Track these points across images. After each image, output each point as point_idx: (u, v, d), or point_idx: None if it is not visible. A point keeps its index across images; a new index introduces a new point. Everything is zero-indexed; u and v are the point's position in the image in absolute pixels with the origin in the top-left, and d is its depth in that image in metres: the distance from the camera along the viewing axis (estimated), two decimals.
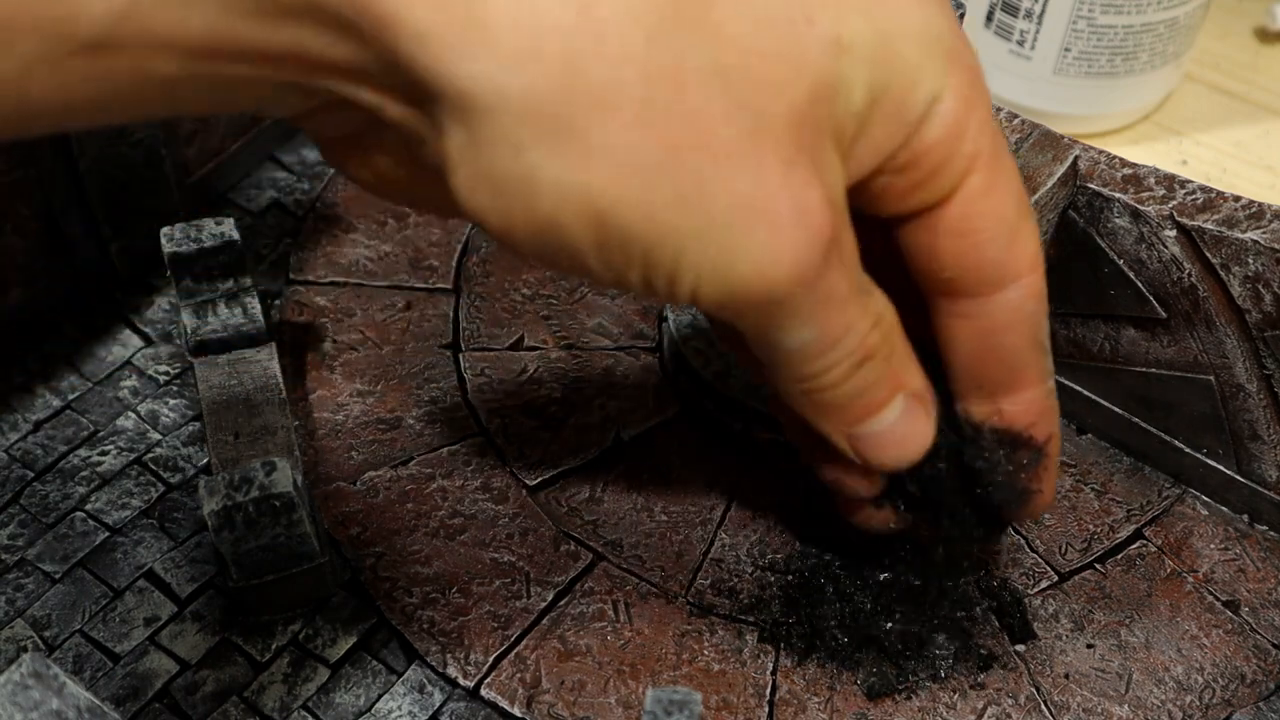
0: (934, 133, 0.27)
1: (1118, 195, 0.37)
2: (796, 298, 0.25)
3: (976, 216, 0.27)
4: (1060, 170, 0.36)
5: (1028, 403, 0.30)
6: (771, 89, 0.24)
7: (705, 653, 0.37)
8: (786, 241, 0.24)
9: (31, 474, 0.41)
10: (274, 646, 0.37)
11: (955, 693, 0.36)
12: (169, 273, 0.40)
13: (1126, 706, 0.37)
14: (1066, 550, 0.40)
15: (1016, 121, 0.39)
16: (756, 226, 0.24)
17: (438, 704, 0.36)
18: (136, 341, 0.44)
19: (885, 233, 0.29)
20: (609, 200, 0.24)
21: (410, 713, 0.36)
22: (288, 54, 0.23)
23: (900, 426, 0.29)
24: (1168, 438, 0.41)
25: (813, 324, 0.26)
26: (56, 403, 0.42)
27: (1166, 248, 0.37)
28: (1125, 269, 0.38)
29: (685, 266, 0.25)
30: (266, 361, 0.41)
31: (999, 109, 0.39)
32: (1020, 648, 0.38)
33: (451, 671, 0.37)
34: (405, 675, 0.37)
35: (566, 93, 0.23)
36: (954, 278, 0.28)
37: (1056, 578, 0.39)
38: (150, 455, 0.41)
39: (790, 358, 0.27)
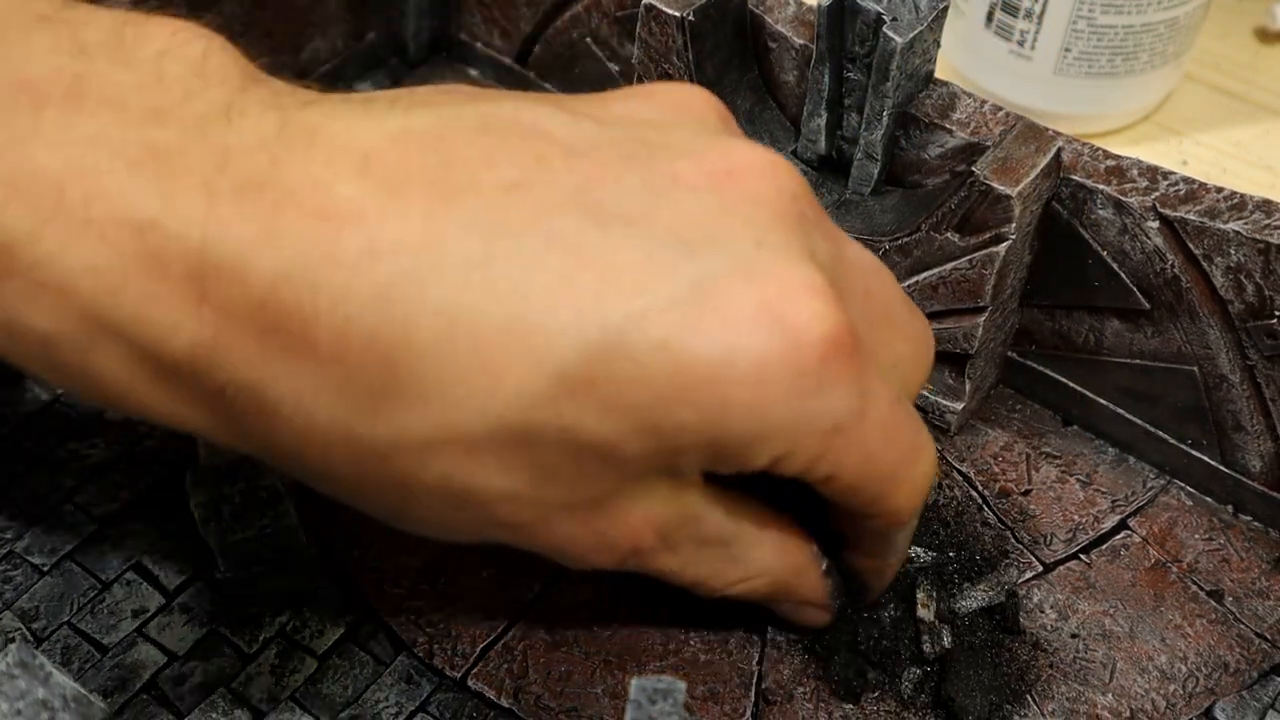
0: (777, 471, 0.30)
1: (1101, 187, 0.37)
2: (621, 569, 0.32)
3: (839, 496, 0.31)
4: (1044, 162, 0.36)
5: (868, 563, 0.36)
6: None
7: (692, 643, 0.37)
8: (580, 562, 0.32)
9: (20, 466, 0.41)
10: (261, 638, 0.37)
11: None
12: None
13: (1110, 695, 0.37)
14: (1051, 541, 0.40)
15: (1001, 114, 0.39)
16: (556, 555, 0.32)
17: (425, 694, 0.36)
18: None
19: None
20: None
21: (398, 703, 0.36)
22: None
23: (790, 614, 0.37)
24: (1152, 429, 0.41)
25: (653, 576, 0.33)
26: (45, 396, 0.43)
27: (1149, 239, 0.37)
28: (1109, 260, 0.38)
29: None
30: None
31: (984, 101, 0.39)
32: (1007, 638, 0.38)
33: (439, 662, 0.37)
34: (393, 666, 0.37)
35: None
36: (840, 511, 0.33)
37: (1041, 568, 0.40)
38: (139, 448, 0.41)
39: None
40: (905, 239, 0.39)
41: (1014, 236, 0.37)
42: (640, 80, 0.42)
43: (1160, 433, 0.41)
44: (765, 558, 0.34)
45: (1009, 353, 0.43)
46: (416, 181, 0.28)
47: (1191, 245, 0.37)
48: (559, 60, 0.50)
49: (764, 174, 0.29)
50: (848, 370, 0.28)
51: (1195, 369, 0.39)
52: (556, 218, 0.28)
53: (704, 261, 0.28)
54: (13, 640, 0.37)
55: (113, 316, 0.27)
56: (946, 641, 0.37)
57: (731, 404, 0.28)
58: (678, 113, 0.32)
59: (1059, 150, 0.37)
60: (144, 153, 0.27)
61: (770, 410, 0.28)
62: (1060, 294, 0.40)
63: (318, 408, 0.28)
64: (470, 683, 0.36)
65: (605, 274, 0.27)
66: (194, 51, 0.29)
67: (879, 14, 0.37)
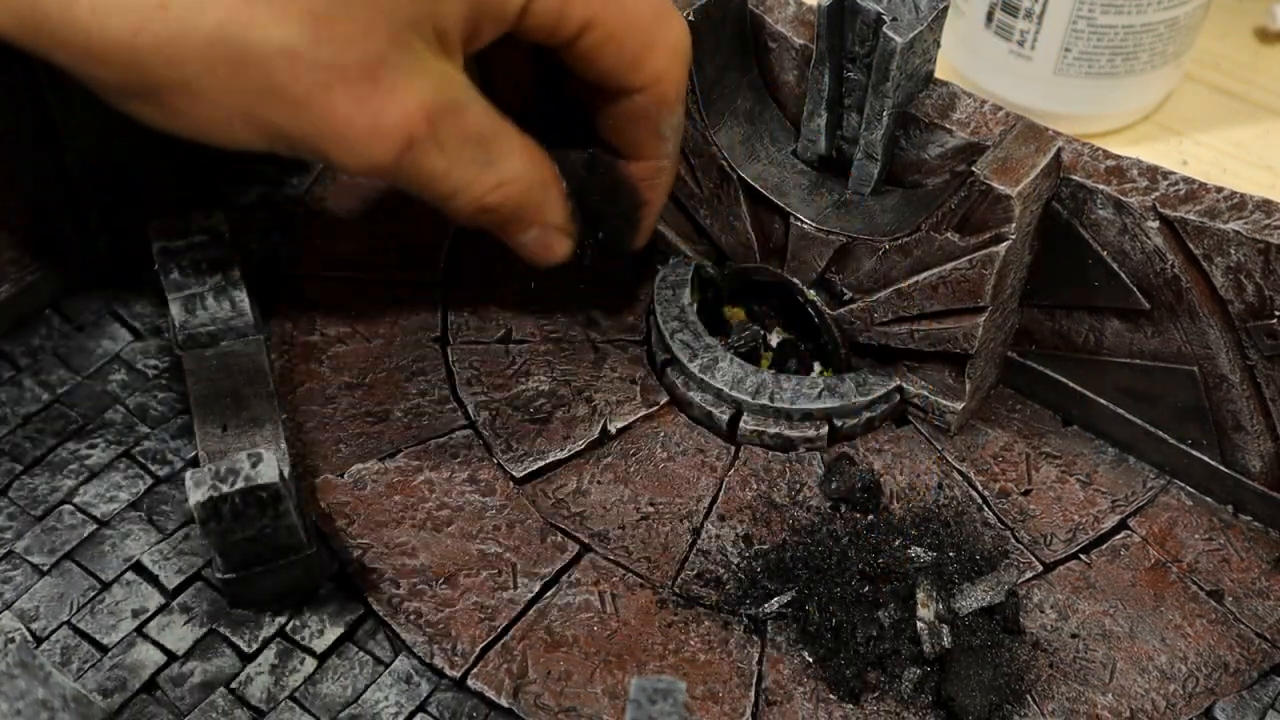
0: (536, 19, 0.34)
1: (1101, 187, 0.37)
2: (390, 176, 0.34)
3: (599, 54, 0.36)
4: (1044, 162, 0.36)
5: (643, 168, 0.40)
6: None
7: (691, 643, 0.37)
8: (358, 153, 0.33)
9: (20, 467, 0.41)
10: (261, 638, 0.37)
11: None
12: (157, 266, 0.40)
13: (1110, 695, 0.37)
14: (1051, 540, 0.40)
15: (1001, 114, 0.39)
16: (336, 146, 0.33)
17: (424, 694, 0.36)
18: (125, 335, 0.44)
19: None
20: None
21: (397, 703, 0.36)
22: None
23: (534, 245, 0.39)
24: (1152, 429, 0.41)
25: (417, 187, 0.35)
26: (45, 396, 0.42)
27: (1149, 239, 0.37)
28: (1109, 260, 0.38)
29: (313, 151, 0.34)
30: (255, 354, 0.41)
31: (983, 101, 0.39)
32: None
33: (438, 662, 0.37)
34: (392, 666, 0.37)
35: None
36: (592, 85, 0.38)
37: (1041, 568, 0.40)
38: (139, 448, 0.41)
39: (424, 201, 0.36)
40: (905, 239, 0.39)
41: (1014, 236, 0.37)
42: None
43: (1160, 433, 0.41)
44: (518, 165, 0.37)
45: (1009, 353, 0.43)
46: None
47: (1191, 245, 0.37)
48: None
49: None
50: None
51: (1195, 369, 0.39)
52: None
53: None
54: (13, 640, 0.37)
55: None
56: (946, 641, 0.37)
57: None
58: None
59: (1059, 150, 0.37)
60: None
61: None
62: (1060, 294, 0.40)
63: None
64: (470, 682, 0.36)
65: None
66: None
67: (879, 14, 0.37)
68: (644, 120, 0.38)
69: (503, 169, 0.36)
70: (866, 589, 0.38)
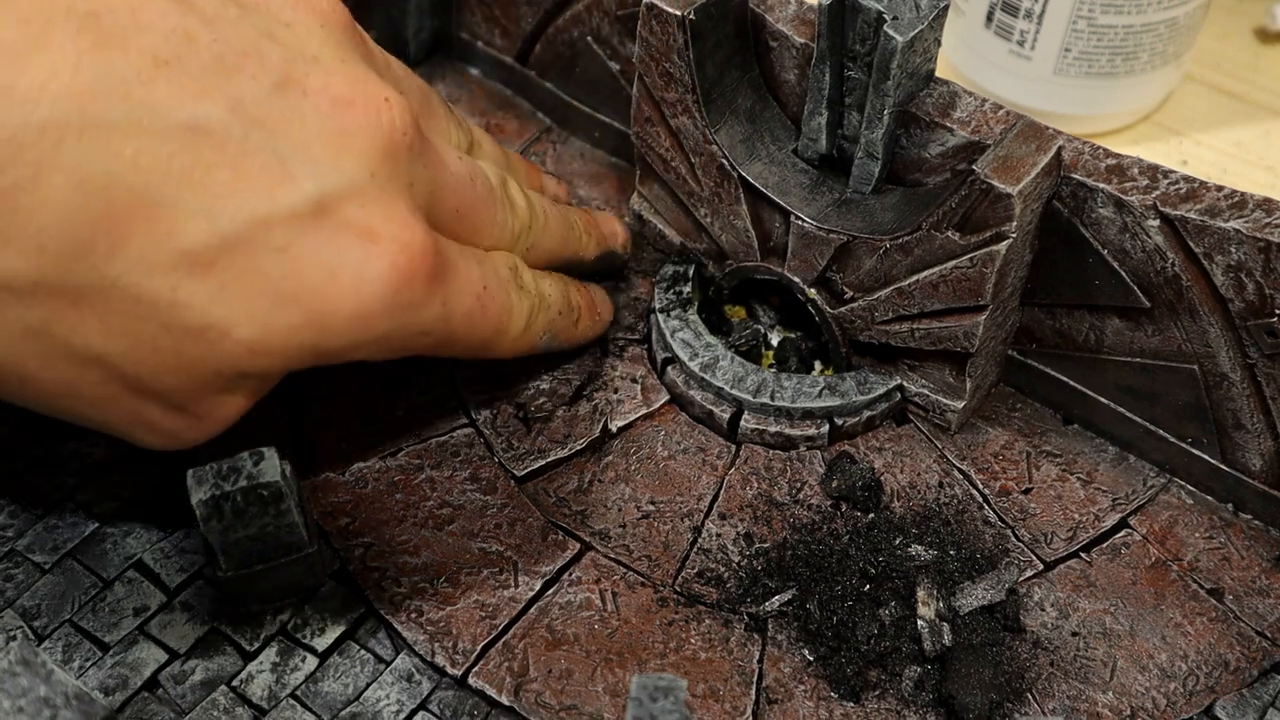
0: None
1: (1101, 185, 0.37)
2: None
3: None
4: (1044, 160, 0.36)
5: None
6: None
7: (692, 641, 0.37)
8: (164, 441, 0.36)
9: (21, 465, 0.41)
10: (262, 636, 0.37)
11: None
12: None
13: (1111, 694, 0.37)
14: (1052, 539, 0.40)
15: (1002, 113, 0.39)
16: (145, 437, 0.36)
17: (426, 692, 0.36)
18: None
19: None
20: None
21: (398, 701, 0.36)
22: None
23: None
24: (1153, 427, 0.41)
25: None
26: None
27: (1150, 237, 0.37)
28: (1109, 259, 0.38)
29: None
30: None
31: (984, 100, 0.39)
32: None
33: (439, 660, 0.37)
34: (393, 664, 0.37)
35: None
36: None
37: (1042, 566, 0.40)
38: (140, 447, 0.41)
39: None
40: (906, 237, 0.39)
41: (1014, 235, 0.37)
42: (643, 81, 0.43)
43: (1161, 431, 0.41)
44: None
45: (1010, 351, 0.43)
46: (60, 26, 0.29)
47: (1192, 244, 0.37)
48: (559, 59, 0.50)
49: (380, 110, 0.34)
50: (430, 287, 0.34)
51: (1195, 367, 0.39)
52: (202, 104, 0.30)
53: (325, 180, 0.32)
54: (14, 638, 0.37)
55: None
56: (947, 640, 0.37)
57: (333, 310, 0.32)
58: (309, 14, 0.35)
59: (1059, 149, 0.37)
60: None
61: (363, 322, 0.33)
62: (1061, 293, 0.40)
63: None
64: (471, 680, 0.36)
65: (241, 173, 0.31)
66: None
67: (880, 12, 0.37)
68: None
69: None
70: (867, 587, 0.38)
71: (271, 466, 0.34)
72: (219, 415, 0.35)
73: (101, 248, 0.30)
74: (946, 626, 0.37)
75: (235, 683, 0.36)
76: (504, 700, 0.36)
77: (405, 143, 0.34)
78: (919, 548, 0.39)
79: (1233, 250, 0.36)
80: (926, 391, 0.42)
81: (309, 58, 0.33)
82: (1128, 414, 0.42)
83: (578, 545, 0.40)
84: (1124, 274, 0.38)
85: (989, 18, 0.53)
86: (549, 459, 0.42)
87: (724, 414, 0.42)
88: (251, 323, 0.32)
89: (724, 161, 0.42)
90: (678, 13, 0.39)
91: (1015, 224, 0.36)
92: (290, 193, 0.32)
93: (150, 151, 0.30)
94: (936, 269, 0.39)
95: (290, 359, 0.33)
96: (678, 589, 0.39)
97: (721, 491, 0.41)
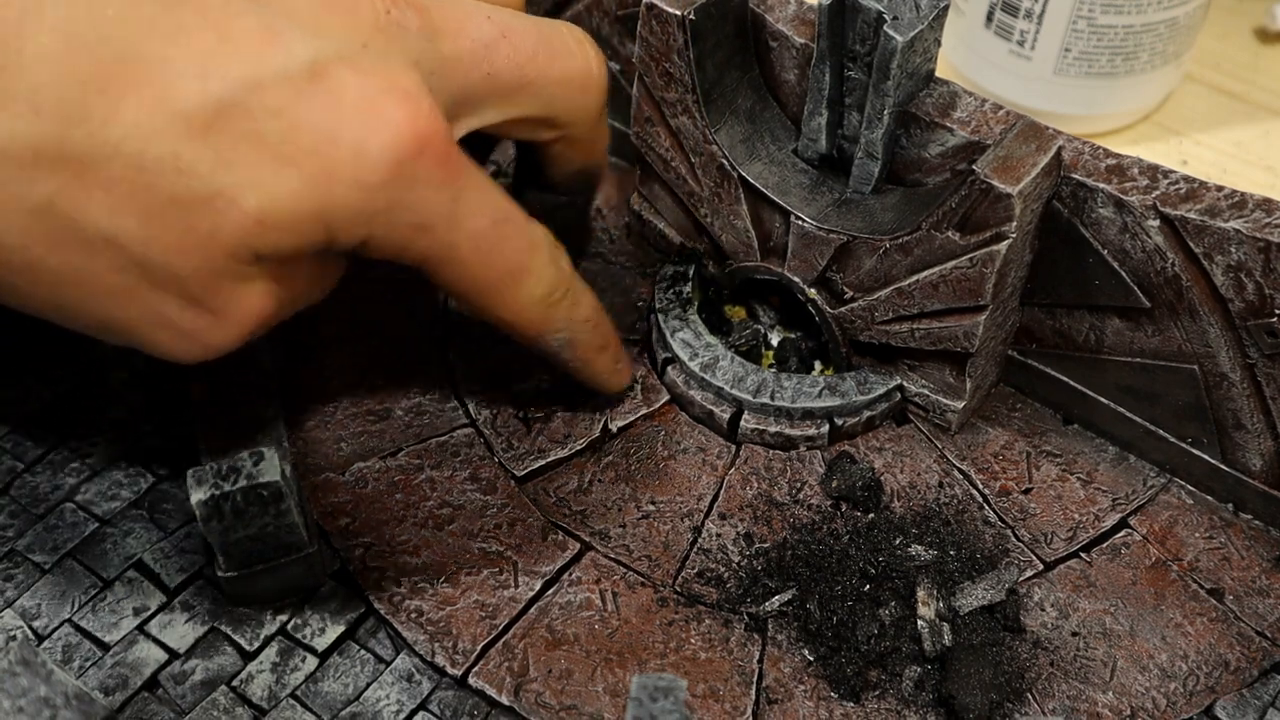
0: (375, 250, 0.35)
1: (1101, 185, 0.37)
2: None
3: (451, 294, 0.37)
4: (1044, 160, 0.36)
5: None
6: None
7: (692, 641, 0.37)
8: (186, 348, 0.34)
9: (21, 465, 0.41)
10: (262, 636, 0.37)
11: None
12: None
13: (1111, 694, 0.37)
14: (1052, 539, 0.40)
15: (1002, 113, 0.39)
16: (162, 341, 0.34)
17: (426, 692, 0.36)
18: None
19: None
20: None
21: (398, 701, 0.36)
22: None
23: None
24: (1153, 427, 0.41)
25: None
26: (47, 394, 0.43)
27: (1150, 237, 0.37)
28: (1109, 259, 0.38)
29: None
30: (256, 353, 0.41)
31: (984, 100, 0.39)
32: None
33: (439, 660, 0.37)
34: (393, 664, 0.37)
35: None
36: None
37: (1042, 566, 0.40)
38: (139, 447, 0.41)
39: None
40: (906, 237, 0.39)
41: (1014, 235, 0.37)
42: (643, 81, 0.43)
43: (1161, 431, 0.41)
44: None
45: (1010, 351, 0.43)
46: None
47: (1192, 244, 0.37)
48: None
49: None
50: (439, 173, 0.32)
51: (1196, 367, 0.39)
52: None
53: (314, 45, 0.31)
54: (14, 638, 0.37)
55: None
56: (947, 639, 0.37)
57: (335, 175, 0.31)
58: None
59: (1059, 149, 0.37)
60: None
61: (365, 191, 0.31)
62: (1061, 293, 0.40)
63: None
64: (471, 680, 0.36)
65: (225, 35, 0.30)
66: None
67: (880, 12, 0.37)
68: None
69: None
70: (867, 587, 0.38)
71: (271, 466, 0.34)
72: (239, 312, 0.33)
73: (98, 111, 0.29)
74: (946, 626, 0.37)
75: (235, 683, 0.36)
76: (504, 700, 0.36)
77: (395, 18, 0.33)
78: (919, 548, 0.39)
79: (1233, 250, 0.36)
80: (926, 391, 0.42)
81: None
82: (1128, 414, 0.42)
83: (578, 545, 0.40)
84: (1124, 274, 0.38)
85: (989, 18, 0.53)
86: (549, 459, 0.42)
87: (724, 414, 0.42)
88: (257, 190, 0.31)
89: (724, 161, 0.42)
90: (678, 13, 0.39)
91: (1015, 224, 0.36)
92: (278, 54, 0.31)
93: (132, 12, 0.29)
94: (936, 269, 0.39)
95: (301, 234, 0.32)
96: (678, 589, 0.39)
97: (721, 491, 0.41)
